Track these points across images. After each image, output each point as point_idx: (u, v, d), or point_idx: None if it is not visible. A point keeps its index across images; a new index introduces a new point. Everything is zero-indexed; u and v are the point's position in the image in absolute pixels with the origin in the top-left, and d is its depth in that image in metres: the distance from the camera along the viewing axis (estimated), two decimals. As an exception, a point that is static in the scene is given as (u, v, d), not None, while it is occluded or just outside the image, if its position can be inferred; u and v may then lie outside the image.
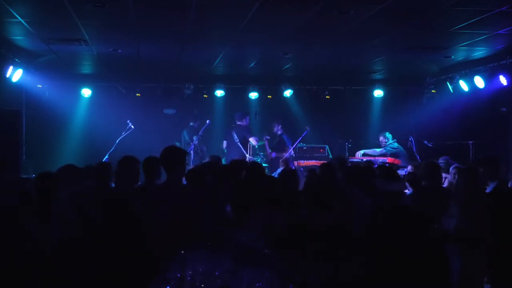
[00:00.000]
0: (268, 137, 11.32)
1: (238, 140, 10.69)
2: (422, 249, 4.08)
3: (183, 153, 4.81)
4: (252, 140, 10.89)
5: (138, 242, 4.50)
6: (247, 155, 10.57)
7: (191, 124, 11.77)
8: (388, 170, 5.62)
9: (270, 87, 12.93)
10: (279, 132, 11.56)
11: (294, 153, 11.07)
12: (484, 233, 4.91)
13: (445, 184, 6.51)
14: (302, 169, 10.23)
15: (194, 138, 11.03)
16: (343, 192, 4.71)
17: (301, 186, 5.96)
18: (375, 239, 4.20)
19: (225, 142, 11.21)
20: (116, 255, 4.61)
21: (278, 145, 11.35)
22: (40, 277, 4.39)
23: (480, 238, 4.92)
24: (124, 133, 10.39)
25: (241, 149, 10.64)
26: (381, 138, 11.21)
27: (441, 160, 7.70)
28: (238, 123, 11.10)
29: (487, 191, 5.57)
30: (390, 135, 11.14)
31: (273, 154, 11.11)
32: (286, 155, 10.53)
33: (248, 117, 11.33)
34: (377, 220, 4.40)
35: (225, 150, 11.12)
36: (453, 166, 6.28)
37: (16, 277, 4.37)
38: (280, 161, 9.37)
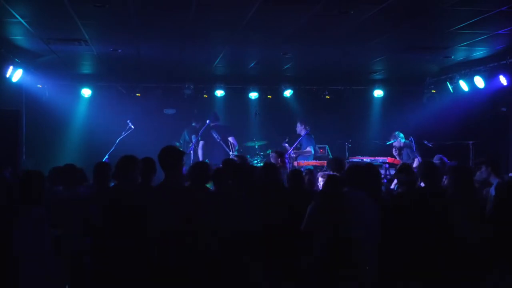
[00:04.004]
0: (286, 142, 10.75)
1: (220, 139, 10.71)
2: None
3: (181, 153, 4.79)
4: (231, 139, 10.97)
5: (137, 241, 4.51)
6: (231, 153, 10.60)
7: (193, 124, 11.77)
8: None
9: (270, 87, 12.93)
10: (302, 133, 10.88)
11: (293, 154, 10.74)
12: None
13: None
14: (302, 169, 10.10)
15: (193, 137, 11.05)
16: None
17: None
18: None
19: (201, 142, 11.03)
20: (116, 254, 4.61)
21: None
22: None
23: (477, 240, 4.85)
24: (124, 133, 10.37)
25: (224, 147, 10.70)
26: (397, 142, 10.42)
27: (436, 160, 7.70)
28: (216, 123, 11.18)
29: (491, 188, 5.55)
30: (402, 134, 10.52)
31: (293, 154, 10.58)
32: (289, 152, 10.34)
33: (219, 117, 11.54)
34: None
35: (199, 151, 10.95)
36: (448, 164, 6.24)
37: None
38: (271, 154, 9.13)
